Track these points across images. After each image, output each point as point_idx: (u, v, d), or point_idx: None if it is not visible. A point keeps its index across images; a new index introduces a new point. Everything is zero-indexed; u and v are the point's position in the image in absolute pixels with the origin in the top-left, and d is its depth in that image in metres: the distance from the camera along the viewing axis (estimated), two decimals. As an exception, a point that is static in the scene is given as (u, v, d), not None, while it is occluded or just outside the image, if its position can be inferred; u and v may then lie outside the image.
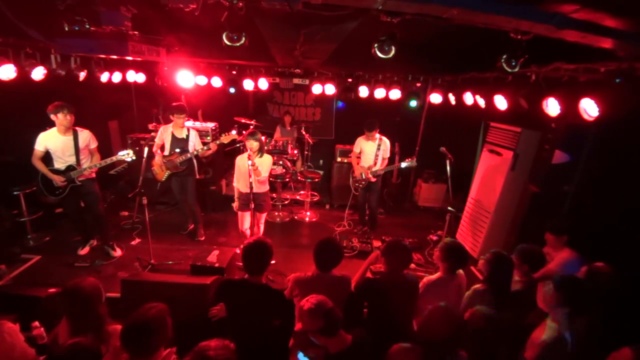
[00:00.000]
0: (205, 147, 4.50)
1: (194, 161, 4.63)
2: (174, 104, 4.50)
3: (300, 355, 2.09)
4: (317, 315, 1.91)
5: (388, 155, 4.98)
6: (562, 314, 2.08)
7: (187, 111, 4.54)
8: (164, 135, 4.49)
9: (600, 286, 2.34)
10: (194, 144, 4.54)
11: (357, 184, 5.11)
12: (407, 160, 4.72)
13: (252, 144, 3.85)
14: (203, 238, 4.92)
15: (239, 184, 4.13)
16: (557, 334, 2.07)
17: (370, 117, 4.97)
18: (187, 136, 4.53)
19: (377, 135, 4.87)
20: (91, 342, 1.73)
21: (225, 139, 4.36)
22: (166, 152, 4.49)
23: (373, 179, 4.92)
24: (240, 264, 3.12)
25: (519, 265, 2.67)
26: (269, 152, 6.01)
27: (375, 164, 4.88)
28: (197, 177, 4.81)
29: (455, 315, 1.92)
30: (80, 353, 1.64)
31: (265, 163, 4.01)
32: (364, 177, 4.93)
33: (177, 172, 4.54)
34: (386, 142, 4.92)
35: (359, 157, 5.06)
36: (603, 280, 2.37)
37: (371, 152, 4.90)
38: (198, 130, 5.06)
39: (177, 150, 4.47)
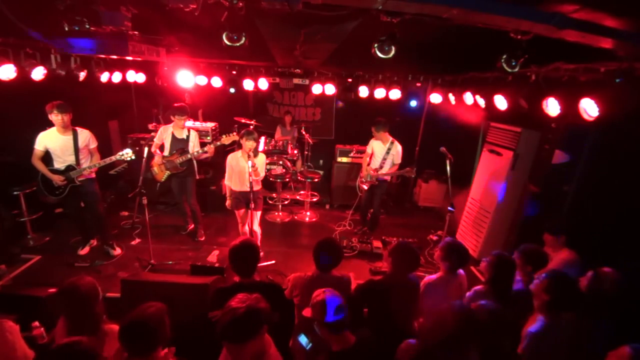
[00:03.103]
0: (200, 150, 4.44)
1: (194, 162, 4.62)
2: (176, 105, 4.49)
3: (302, 336, 2.09)
4: (327, 309, 1.91)
5: (399, 161, 4.80)
6: (542, 303, 2.12)
7: (189, 112, 4.53)
8: (163, 135, 4.49)
9: (607, 291, 2.34)
10: (194, 145, 4.53)
11: (362, 185, 5.04)
12: (407, 169, 4.66)
13: (252, 144, 3.85)
14: (203, 238, 4.92)
15: (233, 183, 4.11)
16: (542, 325, 2.09)
17: (370, 117, 4.94)
18: (187, 137, 4.52)
19: (390, 138, 4.75)
20: (89, 342, 1.71)
21: (226, 140, 4.35)
22: (166, 153, 4.49)
23: (376, 182, 4.85)
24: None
25: (523, 265, 2.67)
26: (269, 152, 6.02)
27: (381, 167, 4.78)
28: (197, 177, 4.81)
29: (467, 312, 1.91)
30: (75, 354, 1.62)
31: (260, 162, 4.00)
32: (369, 179, 4.85)
33: (177, 173, 4.53)
34: (397, 146, 4.76)
35: (369, 159, 4.94)
36: (609, 285, 2.36)
37: (380, 154, 4.78)
38: (198, 130, 5.06)
39: (177, 150, 4.46)
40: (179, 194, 4.77)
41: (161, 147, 4.53)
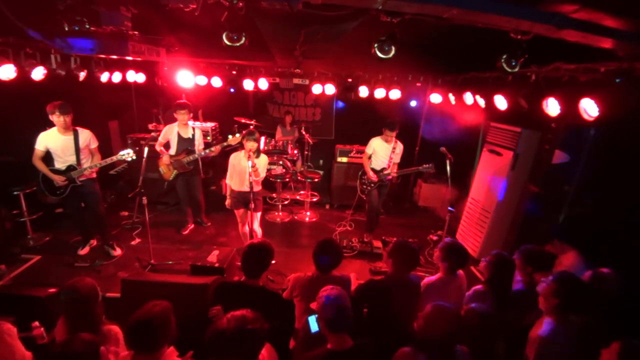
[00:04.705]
0: (207, 150, 4.58)
1: (199, 160, 4.74)
2: (177, 101, 4.58)
3: (312, 318, 2.11)
4: (330, 306, 1.93)
5: (399, 160, 4.84)
6: (552, 306, 2.11)
7: (190, 107, 4.59)
8: (168, 134, 4.59)
9: (605, 291, 2.34)
10: (199, 144, 4.66)
11: (364, 186, 4.99)
12: (425, 165, 4.66)
13: (252, 145, 3.85)
14: (210, 223, 5.28)
15: (233, 182, 4.12)
16: (552, 328, 2.08)
17: (370, 117, 4.94)
18: (193, 136, 4.64)
19: (394, 138, 4.73)
20: (92, 337, 1.74)
21: (232, 140, 4.42)
22: (172, 152, 4.60)
23: (384, 182, 4.83)
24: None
25: (523, 266, 2.67)
26: (269, 152, 6.02)
27: (388, 166, 4.78)
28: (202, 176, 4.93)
29: (452, 312, 1.93)
30: (79, 348, 1.64)
31: (262, 163, 4.00)
32: (380, 177, 4.79)
33: (184, 172, 4.66)
34: (401, 146, 4.80)
35: (369, 159, 4.89)
36: (607, 286, 2.37)
37: (385, 154, 4.75)
38: (198, 130, 5.09)
39: (184, 150, 4.59)
40: (183, 192, 4.86)
41: (165, 146, 4.63)
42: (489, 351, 1.99)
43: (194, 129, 4.67)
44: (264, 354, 1.92)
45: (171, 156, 4.58)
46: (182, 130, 4.59)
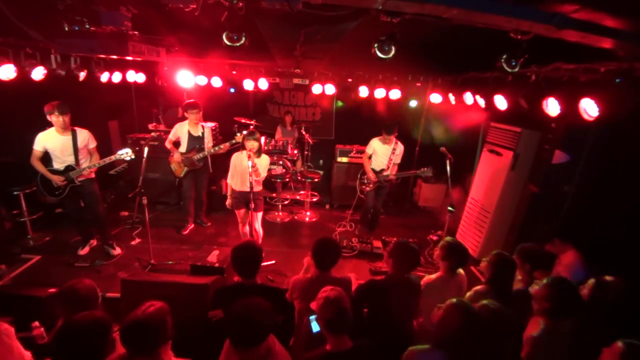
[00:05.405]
0: (216, 148, 4.71)
1: (209, 157, 4.91)
2: (187, 102, 4.70)
3: (313, 318, 2.12)
4: (329, 306, 1.93)
5: (399, 161, 4.85)
6: (542, 309, 2.11)
7: (200, 107, 4.72)
8: (178, 132, 4.72)
9: (608, 299, 2.34)
10: (208, 142, 4.80)
11: (363, 186, 5.00)
12: (423, 169, 4.66)
13: (253, 144, 3.85)
14: (210, 223, 5.33)
15: (234, 182, 4.12)
16: (544, 330, 2.09)
17: (370, 117, 4.93)
18: (203, 134, 4.77)
19: (394, 139, 4.74)
20: (103, 314, 1.80)
21: (240, 138, 4.47)
22: (182, 150, 4.72)
23: (384, 184, 4.83)
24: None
25: (521, 264, 2.68)
26: (269, 152, 6.02)
27: (387, 168, 4.79)
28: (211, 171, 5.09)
29: (473, 309, 1.91)
30: (91, 324, 1.70)
31: (263, 163, 4.01)
32: (380, 179, 4.80)
33: (194, 169, 4.79)
34: (401, 147, 4.81)
35: (370, 159, 4.91)
36: (611, 294, 2.36)
37: (385, 155, 4.76)
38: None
39: (194, 148, 4.72)
40: (189, 189, 4.93)
41: (175, 144, 4.76)
42: (499, 350, 1.98)
43: (203, 127, 4.81)
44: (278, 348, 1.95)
45: (182, 154, 4.69)
46: (193, 129, 4.74)
